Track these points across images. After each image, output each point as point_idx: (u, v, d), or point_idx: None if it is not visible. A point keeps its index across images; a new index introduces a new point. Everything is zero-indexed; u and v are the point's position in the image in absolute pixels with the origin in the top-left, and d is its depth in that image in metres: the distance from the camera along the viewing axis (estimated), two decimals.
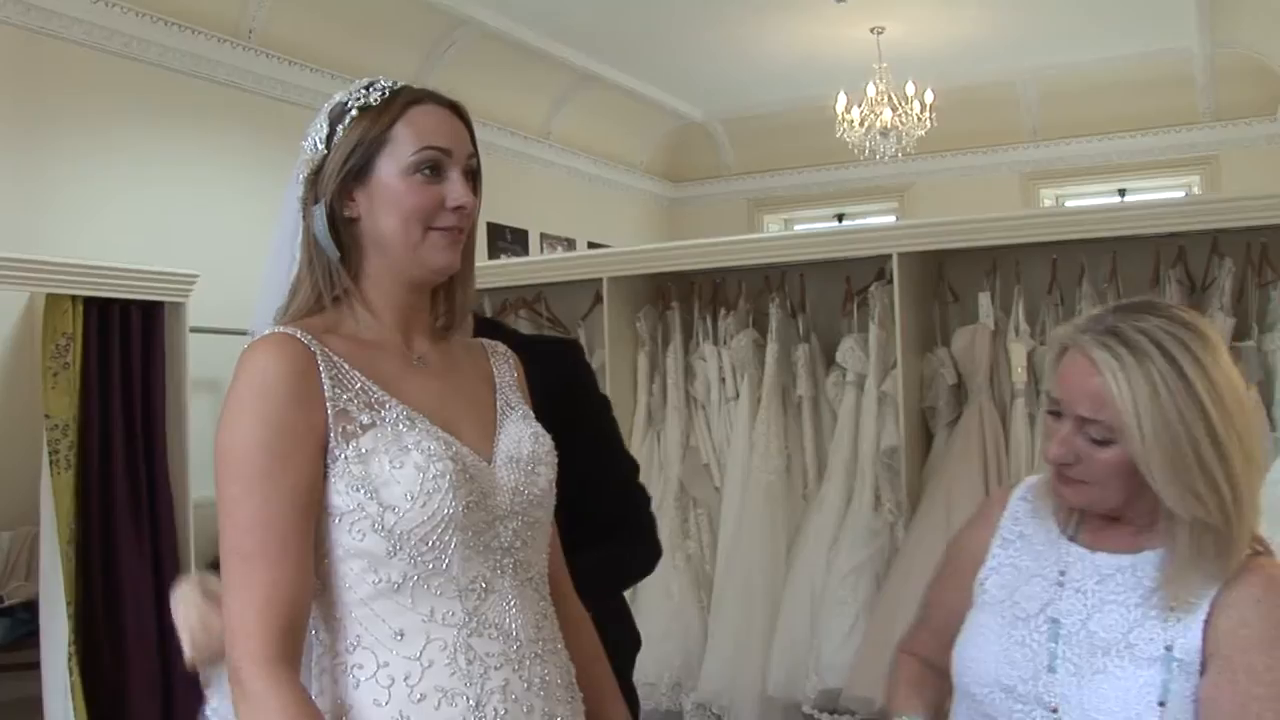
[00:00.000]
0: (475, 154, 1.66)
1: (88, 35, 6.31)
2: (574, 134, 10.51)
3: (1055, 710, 1.65)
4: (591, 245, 10.13)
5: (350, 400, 1.52)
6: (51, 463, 4.54)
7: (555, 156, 10.43)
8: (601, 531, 2.24)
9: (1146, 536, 1.68)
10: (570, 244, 10.42)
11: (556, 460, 1.69)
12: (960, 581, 1.87)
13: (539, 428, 1.70)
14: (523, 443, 1.65)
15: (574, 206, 10.67)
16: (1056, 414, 1.69)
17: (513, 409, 1.71)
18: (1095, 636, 1.65)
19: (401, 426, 1.53)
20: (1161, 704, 1.59)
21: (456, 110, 1.65)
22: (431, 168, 1.59)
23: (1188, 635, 1.60)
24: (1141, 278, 4.09)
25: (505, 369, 1.78)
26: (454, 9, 8.10)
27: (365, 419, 1.52)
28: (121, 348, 4.84)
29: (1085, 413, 1.63)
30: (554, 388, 1.99)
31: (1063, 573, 1.72)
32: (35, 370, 4.70)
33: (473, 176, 1.65)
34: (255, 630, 1.42)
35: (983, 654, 1.74)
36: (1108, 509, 1.70)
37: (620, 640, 2.56)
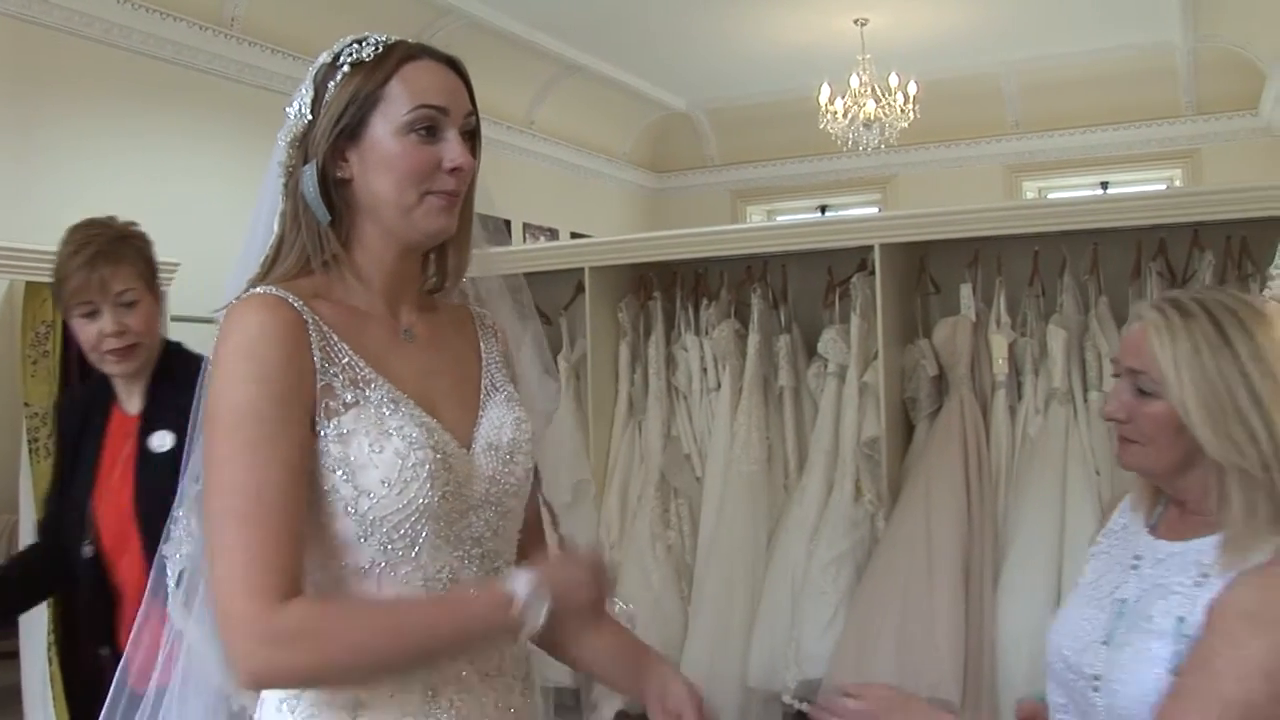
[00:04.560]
0: (474, 112, 1.58)
1: (67, 21, 6.28)
2: (557, 124, 10.49)
3: (1097, 678, 1.75)
4: (574, 235, 10.13)
5: (336, 375, 1.47)
6: (31, 451, 4.52)
7: (538, 146, 10.41)
8: None
9: (1212, 527, 1.74)
10: (553, 234, 10.41)
11: (533, 448, 1.64)
12: None
13: (521, 412, 1.64)
14: (504, 429, 1.60)
15: (557, 196, 10.65)
16: (1117, 375, 1.84)
17: (497, 390, 1.65)
18: (1139, 614, 1.74)
19: (385, 410, 1.47)
20: (1172, 673, 1.65)
21: (454, 66, 1.58)
22: (428, 128, 1.51)
23: (1196, 606, 1.66)
24: (1123, 270, 4.09)
25: (493, 344, 1.72)
26: None
27: (349, 397, 1.47)
28: None
29: (1133, 364, 1.77)
30: None
31: (1137, 558, 1.82)
32: (14, 358, 4.68)
33: (471, 136, 1.57)
34: (257, 589, 1.36)
35: (1059, 627, 1.87)
36: (1160, 471, 1.78)
37: None
